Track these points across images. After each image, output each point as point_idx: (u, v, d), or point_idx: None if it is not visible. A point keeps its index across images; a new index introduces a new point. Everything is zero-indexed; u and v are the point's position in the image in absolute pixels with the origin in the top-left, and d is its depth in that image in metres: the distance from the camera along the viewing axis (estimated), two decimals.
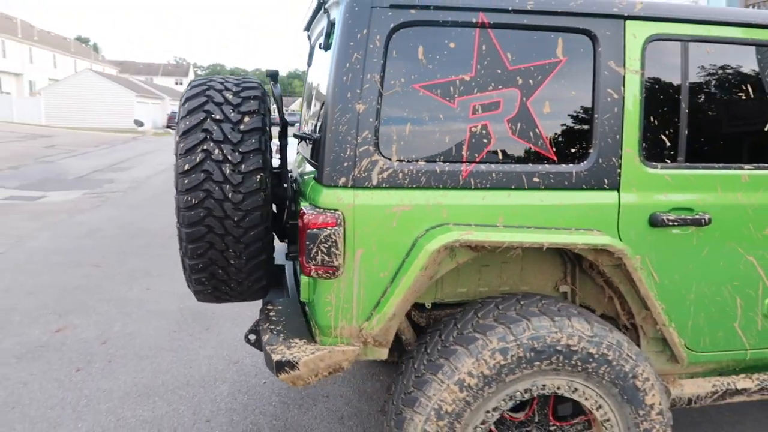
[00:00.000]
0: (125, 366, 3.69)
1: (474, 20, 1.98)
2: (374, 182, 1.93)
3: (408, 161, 1.96)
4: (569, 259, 2.32)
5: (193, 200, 2.07)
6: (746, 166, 2.20)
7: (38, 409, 3.15)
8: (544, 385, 1.95)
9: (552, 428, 2.10)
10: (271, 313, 2.35)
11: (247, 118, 2.14)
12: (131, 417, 3.10)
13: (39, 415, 3.09)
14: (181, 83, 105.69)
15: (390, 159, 1.95)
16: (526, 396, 1.94)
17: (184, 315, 4.58)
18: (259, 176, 2.11)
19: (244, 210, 2.10)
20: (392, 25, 1.93)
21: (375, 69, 1.92)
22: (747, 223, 2.20)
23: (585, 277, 2.33)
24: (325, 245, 1.87)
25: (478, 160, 2.00)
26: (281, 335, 2.11)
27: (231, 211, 2.09)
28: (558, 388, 1.96)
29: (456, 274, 2.28)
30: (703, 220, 2.12)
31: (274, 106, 2.46)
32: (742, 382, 2.33)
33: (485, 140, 2.01)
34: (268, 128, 2.23)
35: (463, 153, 1.99)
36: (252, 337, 2.40)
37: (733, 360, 2.34)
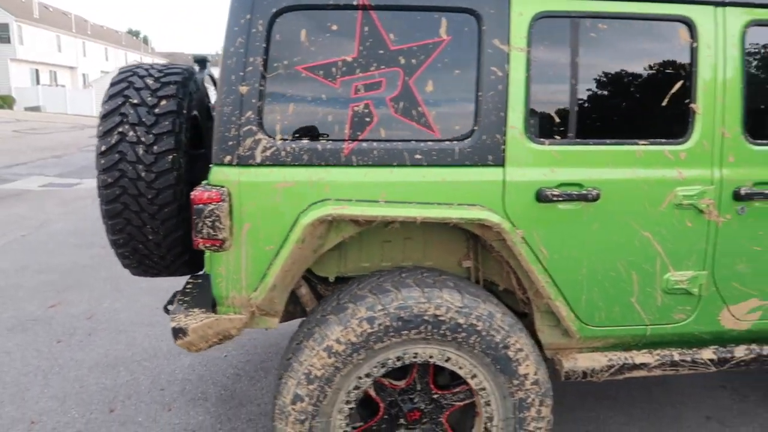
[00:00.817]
0: (102, 339, 3.94)
1: (355, 2, 2.05)
2: (258, 160, 2.04)
3: (291, 140, 2.06)
4: (472, 235, 2.37)
5: (109, 179, 2.24)
6: (641, 142, 2.21)
7: (14, 376, 3.42)
8: (416, 354, 2.03)
9: (435, 396, 2.18)
10: (188, 286, 2.51)
11: (163, 102, 2.28)
12: (94, 384, 3.34)
13: (12, 380, 3.36)
14: None
15: (273, 138, 2.05)
16: (399, 363, 2.03)
17: (170, 293, 4.80)
18: (171, 156, 2.25)
19: (156, 188, 2.25)
20: (274, 10, 2.03)
21: (258, 52, 2.03)
22: (641, 198, 2.21)
23: (488, 253, 2.39)
24: (210, 219, 1.99)
25: (360, 138, 2.08)
26: (185, 305, 2.26)
27: (144, 189, 2.24)
28: (430, 356, 2.04)
29: (359, 249, 2.38)
30: (590, 195, 2.15)
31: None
32: (641, 356, 2.35)
33: (367, 119, 2.08)
34: (184, 111, 2.37)
35: (346, 131, 2.08)
36: (170, 307, 2.56)
37: (633, 335, 2.35)
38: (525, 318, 2.40)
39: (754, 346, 2.43)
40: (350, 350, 1.97)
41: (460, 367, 2.06)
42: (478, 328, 2.00)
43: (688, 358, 2.37)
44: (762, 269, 2.34)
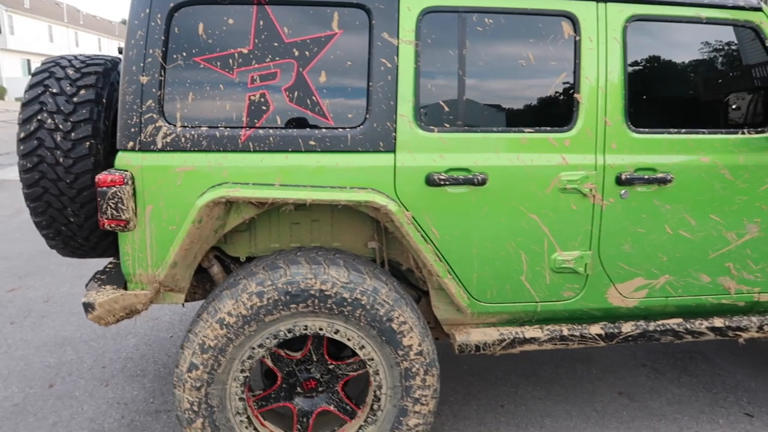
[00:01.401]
0: (55, 321, 4.09)
1: None
2: (159, 146, 2.17)
3: (191, 127, 2.19)
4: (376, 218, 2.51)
5: (29, 164, 2.37)
6: (526, 130, 2.34)
7: None
8: (305, 326, 2.17)
9: (330, 367, 2.33)
10: (109, 265, 2.64)
11: (82, 92, 2.41)
12: (39, 363, 3.48)
13: None
14: None
15: (174, 125, 2.18)
16: (290, 335, 2.17)
17: None
18: (89, 143, 2.38)
19: (74, 173, 2.38)
20: (172, 5, 2.16)
21: (157, 44, 2.15)
22: (527, 183, 2.35)
23: (391, 235, 2.53)
24: (113, 201, 2.13)
25: (257, 125, 2.21)
26: (100, 282, 2.40)
27: (63, 174, 2.37)
28: (320, 329, 2.18)
29: (269, 230, 2.51)
30: (476, 180, 2.29)
31: None
32: (531, 331, 2.50)
33: (264, 107, 2.22)
34: (104, 100, 2.50)
35: (243, 119, 2.21)
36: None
37: (525, 311, 2.50)
38: (428, 296, 2.55)
39: (641, 322, 2.58)
40: (241, 322, 2.11)
41: (349, 339, 2.20)
42: (363, 302, 2.15)
43: (577, 333, 2.51)
44: (646, 250, 2.48)
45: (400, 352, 2.21)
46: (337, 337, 2.20)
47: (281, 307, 2.11)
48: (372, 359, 2.23)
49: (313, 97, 2.23)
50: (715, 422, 2.97)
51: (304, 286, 2.11)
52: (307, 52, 2.22)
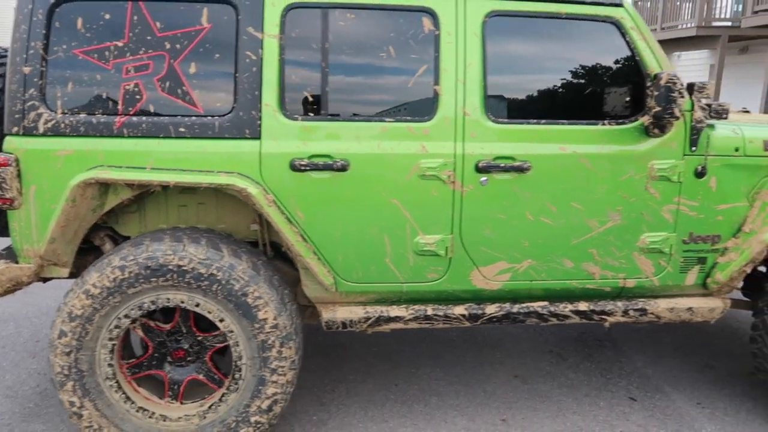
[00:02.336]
0: (7, 299, 4.34)
1: None
2: (41, 131, 2.37)
3: (70, 114, 2.38)
4: None
5: None
6: (387, 119, 2.49)
7: None
8: (168, 299, 2.36)
9: (198, 338, 2.51)
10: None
11: None
12: None
13: None
14: None
15: (55, 112, 2.38)
16: (153, 307, 2.36)
17: None
18: None
19: None
20: (52, 1, 2.35)
21: (39, 38, 2.35)
22: (388, 169, 2.49)
23: None
24: None
25: (131, 113, 2.40)
26: (0, 257, 2.61)
27: None
28: (181, 301, 2.36)
29: (157, 211, 2.70)
30: (335, 166, 2.44)
31: None
32: (395, 310, 2.64)
33: (137, 96, 2.40)
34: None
35: (118, 107, 2.40)
36: None
37: (391, 291, 2.65)
38: None
39: (506, 304, 2.71)
40: (105, 293, 2.30)
41: (209, 312, 2.38)
42: (218, 278, 2.32)
43: (441, 313, 2.66)
44: (507, 235, 2.61)
45: (256, 325, 2.38)
46: (198, 310, 2.38)
47: (142, 280, 2.30)
48: (231, 331, 2.40)
49: (184, 87, 2.41)
50: (596, 404, 3.08)
51: (163, 261, 2.29)
52: (178, 45, 2.40)
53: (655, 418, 2.97)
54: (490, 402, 3.08)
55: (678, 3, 15.00)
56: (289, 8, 2.42)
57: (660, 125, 2.52)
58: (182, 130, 2.40)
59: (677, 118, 2.44)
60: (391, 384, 3.25)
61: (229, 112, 2.43)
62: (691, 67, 17.21)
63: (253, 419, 2.46)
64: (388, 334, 3.85)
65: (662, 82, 2.39)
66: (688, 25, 14.14)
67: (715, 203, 2.71)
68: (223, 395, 2.47)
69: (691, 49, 15.62)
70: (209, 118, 2.42)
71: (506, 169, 2.53)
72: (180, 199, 2.67)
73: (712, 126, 2.72)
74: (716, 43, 13.51)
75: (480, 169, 2.53)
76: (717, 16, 14.48)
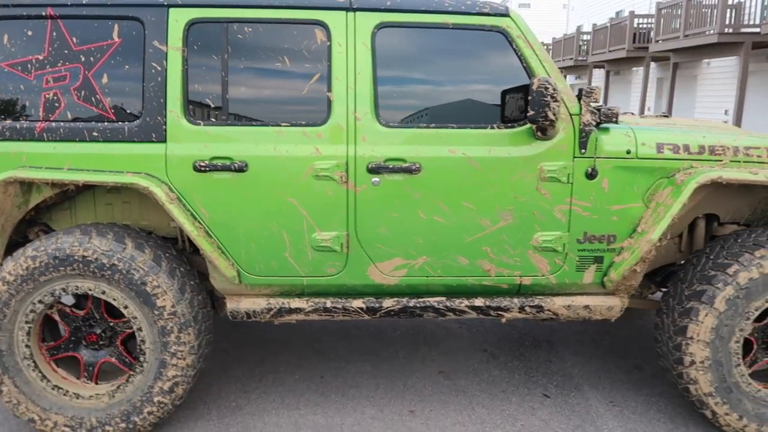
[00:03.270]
0: None
1: (44, 13, 2.63)
2: None
3: None
4: None
5: None
6: (283, 123, 2.68)
7: None
8: (77, 286, 2.59)
9: (111, 324, 2.74)
10: None
11: None
12: None
13: None
14: None
15: None
16: (64, 294, 2.60)
17: None
18: None
19: None
20: None
21: None
22: (284, 170, 2.68)
23: None
24: None
25: (51, 119, 2.66)
26: None
27: None
28: (89, 289, 2.59)
29: (86, 209, 2.95)
30: (234, 167, 2.65)
31: None
32: (296, 302, 2.81)
33: (56, 104, 2.66)
34: None
35: (39, 114, 2.66)
36: None
37: (292, 285, 2.82)
38: None
39: (404, 299, 2.85)
40: (20, 281, 2.55)
41: (114, 299, 2.61)
42: (120, 268, 2.55)
43: (340, 306, 2.82)
44: (401, 233, 2.76)
45: (156, 312, 2.60)
46: (104, 297, 2.61)
47: (52, 269, 2.55)
48: (135, 317, 2.62)
49: (97, 96, 2.66)
50: (508, 400, 3.17)
51: (69, 252, 2.53)
52: (92, 58, 2.65)
53: (561, 414, 3.04)
54: (405, 395, 3.21)
55: (703, 10, 14.74)
56: (191, 23, 2.64)
57: (541, 128, 2.63)
58: (95, 134, 2.65)
59: (551, 121, 2.54)
60: (316, 376, 3.41)
61: (137, 118, 2.66)
62: (718, 74, 16.84)
63: (156, 399, 2.67)
64: (330, 331, 4.02)
65: (534, 87, 2.50)
66: (711, 32, 13.88)
67: (609, 204, 2.79)
68: (129, 377, 2.69)
69: (718, 56, 15.31)
70: (120, 123, 2.66)
71: (396, 170, 2.69)
72: (107, 198, 2.92)
73: (606, 129, 2.80)
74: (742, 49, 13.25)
75: (371, 170, 2.68)
76: (745, 23, 14.19)
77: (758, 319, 2.80)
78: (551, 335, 4.01)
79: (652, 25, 17.78)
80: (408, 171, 2.69)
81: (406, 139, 2.71)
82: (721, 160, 2.81)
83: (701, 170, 2.72)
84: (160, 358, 2.65)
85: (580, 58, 23.63)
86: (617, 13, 24.25)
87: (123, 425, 2.68)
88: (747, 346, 2.80)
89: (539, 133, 2.66)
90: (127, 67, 2.66)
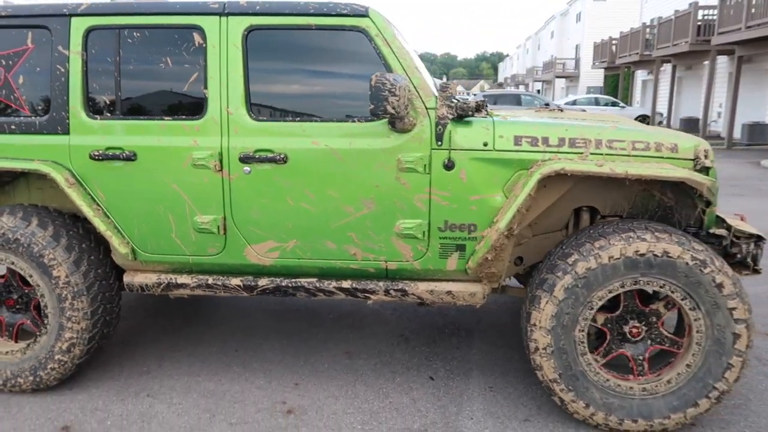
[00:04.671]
0: None
1: None
2: None
3: None
4: None
5: None
6: (166, 117, 3.00)
7: None
8: (13, 262, 3.03)
9: (26, 291, 3.17)
10: None
11: None
12: None
13: None
14: None
15: None
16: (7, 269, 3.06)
17: None
18: None
19: None
20: None
21: None
22: (168, 159, 3.00)
23: None
24: None
25: None
26: None
27: None
28: (1, 260, 3.03)
29: (22, 193, 3.40)
30: (123, 156, 3.00)
31: None
32: (182, 278, 3.13)
33: None
34: None
35: None
36: None
37: (180, 263, 3.14)
38: None
39: (278, 279, 3.10)
40: None
41: (22, 269, 3.03)
42: (22, 242, 2.96)
43: (220, 283, 3.11)
44: (272, 217, 3.01)
45: (53, 281, 3.00)
46: (15, 267, 3.04)
47: None
48: (39, 285, 3.04)
49: (15, 94, 3.10)
50: (393, 380, 3.35)
51: None
52: (11, 62, 3.08)
53: (434, 395, 3.18)
54: (300, 370, 3.46)
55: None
56: (89, 30, 3.02)
57: (390, 122, 2.80)
58: (13, 127, 3.08)
59: (390, 114, 2.69)
60: (231, 350, 3.72)
61: (46, 113, 3.07)
62: None
63: (56, 357, 3.07)
64: (268, 312, 4.33)
65: (373, 83, 2.67)
66: None
67: (467, 194, 2.91)
68: (37, 336, 3.11)
69: None
70: (33, 118, 3.08)
71: (264, 160, 2.94)
72: (38, 183, 3.36)
73: (468, 122, 2.92)
74: None
75: (242, 160, 2.95)
76: None
77: (611, 310, 2.84)
78: (476, 324, 4.12)
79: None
80: (274, 161, 2.93)
81: (273, 131, 2.96)
82: (581, 153, 2.86)
83: (549, 162, 2.79)
84: (59, 321, 3.05)
85: (645, 53, 22.66)
86: (690, 5, 23.06)
87: (31, 378, 3.11)
88: (603, 336, 2.84)
89: (391, 126, 2.83)
90: (38, 69, 3.08)
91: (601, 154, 2.86)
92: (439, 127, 2.87)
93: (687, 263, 2.63)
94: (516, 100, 20.05)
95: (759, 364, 3.52)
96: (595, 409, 2.79)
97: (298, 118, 2.96)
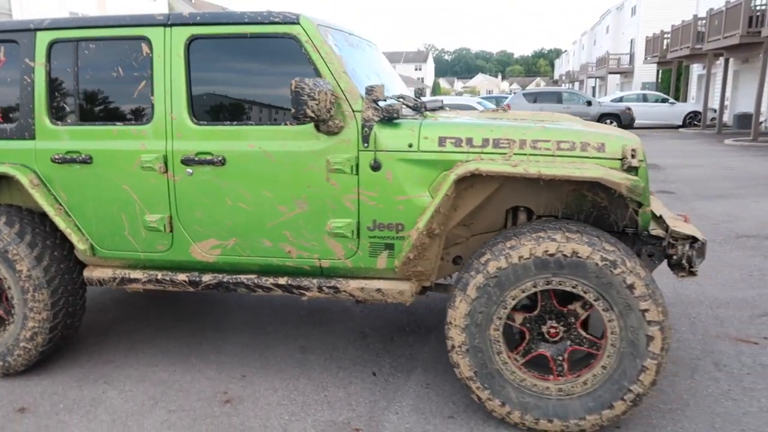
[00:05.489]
0: None
1: None
2: None
3: None
4: None
5: None
6: (118, 123, 3.22)
7: None
8: None
9: None
10: None
11: None
12: None
13: None
14: (420, 69, 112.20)
15: None
16: None
17: None
18: None
19: None
20: None
21: None
22: (119, 162, 3.22)
23: None
24: None
25: None
26: None
27: None
28: None
29: (6, 193, 3.71)
30: (79, 159, 3.24)
31: None
32: (135, 273, 3.34)
33: None
34: None
35: None
36: None
37: (134, 259, 3.36)
38: None
39: (221, 275, 3.27)
40: None
41: None
42: None
43: (168, 278, 3.30)
44: (213, 217, 3.18)
45: (17, 275, 3.27)
46: None
47: None
48: (5, 278, 3.32)
49: None
50: (335, 375, 3.46)
51: None
52: None
53: (370, 390, 3.27)
54: (252, 363, 3.62)
55: None
56: (52, 43, 3.27)
57: (316, 125, 2.92)
58: None
59: (311, 118, 2.79)
60: (195, 342, 3.93)
61: (16, 120, 3.35)
62: None
63: (21, 345, 3.35)
64: (243, 307, 4.52)
65: (292, 88, 2.78)
66: None
67: (394, 194, 2.99)
68: (6, 325, 3.40)
69: None
70: (4, 124, 3.37)
71: (204, 162, 3.11)
72: (17, 185, 3.66)
73: (396, 124, 3.00)
74: None
75: (184, 162, 3.14)
76: None
77: (530, 309, 2.85)
78: (438, 323, 4.17)
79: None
80: (213, 163, 3.10)
81: (213, 135, 3.12)
82: (505, 153, 2.89)
83: (468, 163, 2.83)
84: (23, 312, 3.32)
85: (696, 46, 21.75)
86: None
87: (1, 363, 3.40)
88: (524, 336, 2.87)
89: (317, 129, 2.95)
90: (9, 79, 3.36)
91: (525, 155, 2.87)
92: (365, 129, 2.96)
93: (597, 264, 2.62)
94: (557, 98, 19.67)
95: (714, 369, 3.43)
96: (511, 407, 2.81)
97: (236, 122, 3.12)
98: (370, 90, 2.94)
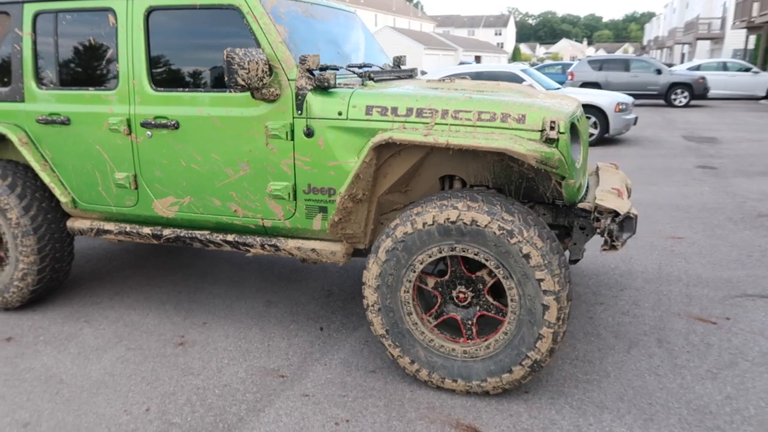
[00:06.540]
0: None
1: None
2: None
3: None
4: None
5: None
6: (90, 88, 3.55)
7: None
8: None
9: None
10: None
11: None
12: None
13: None
14: (500, 34, 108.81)
15: None
16: None
17: None
18: None
19: None
20: None
21: None
22: (92, 124, 3.55)
23: None
24: None
25: None
26: None
27: None
28: None
29: (6, 150, 4.17)
30: (58, 120, 3.60)
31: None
32: (108, 225, 3.70)
33: None
34: None
35: None
36: None
37: (108, 212, 3.71)
38: None
39: (178, 230, 3.57)
40: None
41: None
42: None
43: (135, 231, 3.64)
44: (170, 176, 3.46)
45: (8, 222, 3.70)
46: None
47: None
48: (0, 224, 3.77)
49: None
50: (286, 327, 3.72)
51: None
52: None
53: (310, 343, 3.50)
54: (217, 312, 3.93)
55: None
56: (37, 14, 3.62)
57: (251, 93, 3.10)
58: None
59: (242, 86, 2.97)
60: (176, 292, 4.29)
61: (9, 84, 3.75)
62: None
63: (15, 283, 3.81)
64: (241, 265, 4.85)
65: (224, 57, 2.97)
66: None
67: (326, 160, 3.15)
68: (4, 267, 3.87)
69: None
70: (1, 88, 3.78)
71: (160, 126, 3.39)
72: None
73: (330, 93, 3.14)
74: None
75: (143, 125, 3.43)
76: None
77: (441, 274, 2.96)
78: None
79: None
80: (167, 127, 3.37)
81: (169, 101, 3.38)
82: (428, 123, 2.97)
83: (386, 132, 2.94)
84: (15, 255, 3.77)
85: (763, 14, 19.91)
86: None
87: (0, 299, 3.89)
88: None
89: (252, 97, 3.14)
90: (3, 48, 3.75)
91: (447, 124, 2.94)
92: (299, 97, 3.12)
93: (494, 233, 2.69)
94: (624, 66, 18.72)
95: (655, 345, 3.41)
96: (420, 365, 2.96)
97: (188, 89, 3.36)
98: (303, 59, 3.08)
